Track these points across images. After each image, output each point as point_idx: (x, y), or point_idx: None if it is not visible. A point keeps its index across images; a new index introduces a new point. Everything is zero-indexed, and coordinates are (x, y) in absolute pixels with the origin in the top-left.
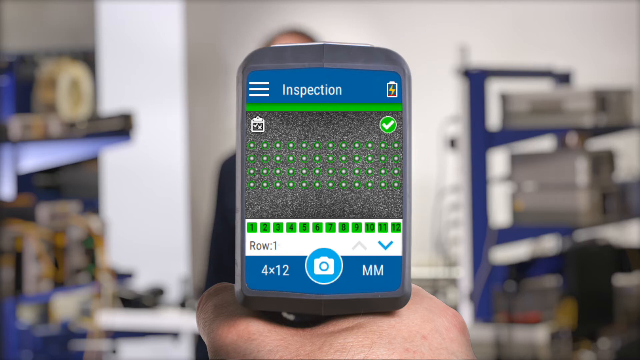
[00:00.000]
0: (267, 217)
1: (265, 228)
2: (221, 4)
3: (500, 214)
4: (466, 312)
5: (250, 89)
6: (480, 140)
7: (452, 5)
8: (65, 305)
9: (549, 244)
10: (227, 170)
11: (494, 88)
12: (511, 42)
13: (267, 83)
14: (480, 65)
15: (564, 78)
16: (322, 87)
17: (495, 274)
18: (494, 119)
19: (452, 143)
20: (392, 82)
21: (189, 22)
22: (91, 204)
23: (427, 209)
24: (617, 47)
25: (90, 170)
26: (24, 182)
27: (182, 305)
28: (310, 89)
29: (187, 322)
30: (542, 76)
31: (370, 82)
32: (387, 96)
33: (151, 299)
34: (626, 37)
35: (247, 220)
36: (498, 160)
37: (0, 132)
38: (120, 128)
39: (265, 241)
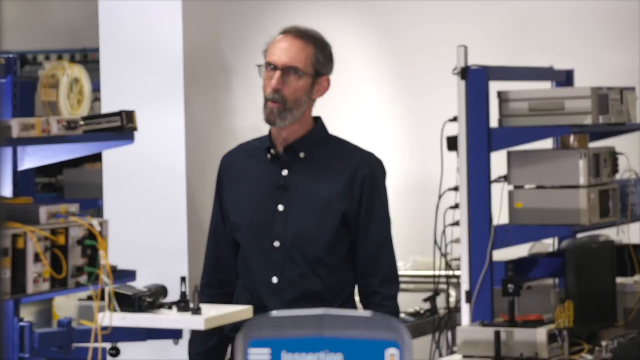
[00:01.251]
0: None
1: None
2: (220, 3)
3: (499, 213)
4: (466, 312)
5: (250, 357)
6: (480, 140)
7: (452, 5)
8: (65, 305)
9: (549, 244)
10: (226, 166)
11: (494, 88)
12: (511, 42)
13: (268, 351)
14: (480, 65)
15: (564, 78)
16: (322, 354)
17: (495, 274)
18: (493, 119)
19: (452, 143)
20: (392, 351)
21: (188, 22)
22: (91, 204)
23: (427, 209)
24: (617, 47)
25: (91, 170)
26: (24, 182)
27: (182, 305)
28: (311, 355)
29: (187, 322)
30: (542, 76)
31: (370, 351)
32: None
33: (151, 299)
34: (627, 36)
35: None
36: (498, 160)
37: (0, 132)
38: (121, 127)
39: None
